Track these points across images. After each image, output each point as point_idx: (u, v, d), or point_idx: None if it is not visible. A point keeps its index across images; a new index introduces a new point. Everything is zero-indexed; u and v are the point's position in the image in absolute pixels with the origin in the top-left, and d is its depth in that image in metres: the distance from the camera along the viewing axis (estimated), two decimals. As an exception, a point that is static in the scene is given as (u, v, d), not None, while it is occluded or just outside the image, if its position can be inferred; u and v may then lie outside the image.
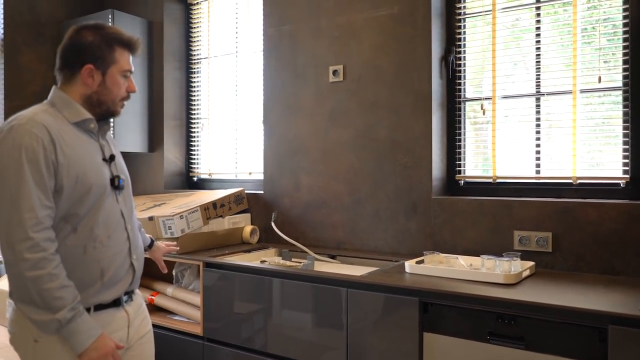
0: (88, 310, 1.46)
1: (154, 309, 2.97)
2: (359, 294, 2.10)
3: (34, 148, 1.37)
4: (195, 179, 3.77)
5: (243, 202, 3.18)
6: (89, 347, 1.39)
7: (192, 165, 3.79)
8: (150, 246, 2.05)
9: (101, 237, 1.50)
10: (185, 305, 2.83)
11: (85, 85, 1.51)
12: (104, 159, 1.56)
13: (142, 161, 3.76)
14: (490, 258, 2.16)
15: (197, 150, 3.77)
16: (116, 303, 1.55)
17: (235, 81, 3.56)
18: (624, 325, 1.61)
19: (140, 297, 1.75)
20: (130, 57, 1.58)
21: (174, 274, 3.00)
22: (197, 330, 2.62)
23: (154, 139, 3.69)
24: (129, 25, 3.53)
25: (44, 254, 1.35)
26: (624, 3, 2.29)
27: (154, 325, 2.80)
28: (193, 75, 3.79)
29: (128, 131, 3.54)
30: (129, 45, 1.56)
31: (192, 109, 3.80)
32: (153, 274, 3.21)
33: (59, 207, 1.42)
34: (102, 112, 1.56)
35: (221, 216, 3.00)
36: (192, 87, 3.79)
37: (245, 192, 3.23)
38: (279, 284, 2.33)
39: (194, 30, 3.78)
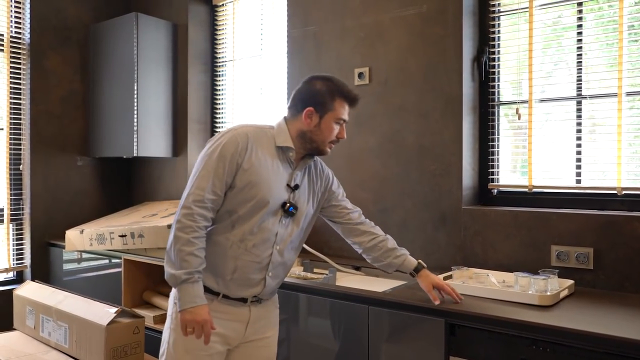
0: (217, 295, 1.71)
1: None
2: (381, 312, 1.97)
3: (228, 148, 1.66)
4: (219, 183, 3.70)
5: (265, 208, 3.08)
6: (187, 309, 1.61)
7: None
8: (416, 270, 1.94)
9: (247, 243, 1.71)
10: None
11: (303, 123, 1.75)
12: (288, 185, 1.76)
13: (165, 166, 3.71)
14: (525, 275, 1.99)
15: (222, 154, 3.70)
16: (243, 300, 1.75)
17: (260, 84, 3.48)
18: (677, 359, 1.43)
19: (274, 305, 1.90)
20: (347, 109, 1.78)
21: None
22: (215, 342, 2.54)
23: (178, 143, 3.64)
24: (153, 28, 3.50)
25: (193, 223, 1.62)
26: (677, -3, 2.08)
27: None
28: (218, 78, 3.73)
29: (152, 135, 3.50)
30: (348, 98, 1.77)
31: (216, 113, 3.74)
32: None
33: (226, 200, 1.69)
34: (312, 148, 1.78)
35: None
36: (216, 90, 3.73)
37: (268, 198, 3.13)
38: (297, 298, 2.22)
39: (219, 32, 3.71)
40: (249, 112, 3.53)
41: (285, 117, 1.81)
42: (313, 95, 1.75)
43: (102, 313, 2.29)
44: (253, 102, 3.51)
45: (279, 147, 1.75)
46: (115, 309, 2.28)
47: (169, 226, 2.71)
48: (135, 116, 3.41)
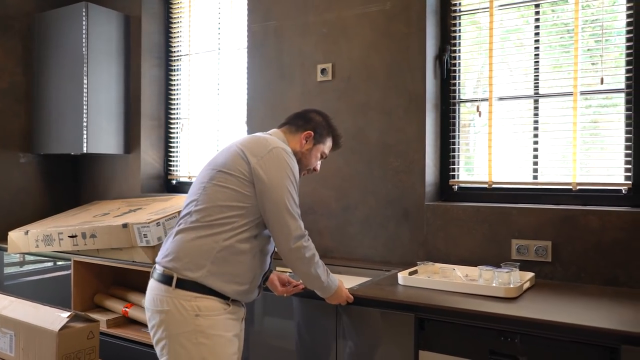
0: (228, 299, 1.73)
1: (127, 321, 2.78)
2: (349, 308, 1.95)
3: (297, 171, 1.79)
4: (174, 182, 3.59)
5: (225, 207, 3.00)
6: (332, 296, 1.86)
7: (171, 168, 3.61)
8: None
9: (265, 253, 1.81)
10: (162, 318, 2.65)
11: (298, 143, 1.88)
12: None
13: (117, 163, 3.56)
14: (489, 269, 2.03)
15: (177, 152, 3.59)
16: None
17: (217, 79, 3.39)
18: (638, 345, 1.49)
19: None
20: (329, 148, 1.98)
21: (150, 283, 2.82)
22: (175, 345, 2.44)
23: (131, 139, 3.50)
24: (104, 20, 3.34)
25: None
26: (628, 2, 2.18)
27: (126, 340, 2.64)
28: (173, 73, 3.61)
29: (102, 131, 3.34)
30: (337, 141, 2.00)
31: (171, 109, 3.62)
32: (127, 283, 3.03)
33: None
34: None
35: (201, 222, 2.82)
36: (171, 85, 3.61)
37: (227, 196, 3.06)
38: (264, 296, 2.17)
39: (174, 25, 3.59)
40: (205, 108, 3.44)
41: (282, 133, 1.89)
42: (315, 123, 1.91)
43: (52, 318, 2.15)
44: (210, 98, 3.42)
45: None
46: (68, 314, 2.15)
47: (124, 225, 2.59)
48: (84, 111, 3.25)
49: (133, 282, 3.00)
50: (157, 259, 1.80)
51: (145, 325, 2.70)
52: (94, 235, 2.70)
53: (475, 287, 1.95)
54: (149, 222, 2.54)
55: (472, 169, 2.58)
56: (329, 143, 1.96)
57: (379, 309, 1.89)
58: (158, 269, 1.76)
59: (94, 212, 3.15)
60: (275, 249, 1.79)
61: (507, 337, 1.70)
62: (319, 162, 1.96)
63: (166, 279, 1.70)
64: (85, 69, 3.25)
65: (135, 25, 3.48)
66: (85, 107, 3.25)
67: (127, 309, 2.77)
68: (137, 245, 2.58)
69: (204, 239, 1.70)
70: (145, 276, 2.85)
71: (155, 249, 2.57)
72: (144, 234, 2.56)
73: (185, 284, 1.67)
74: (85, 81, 3.25)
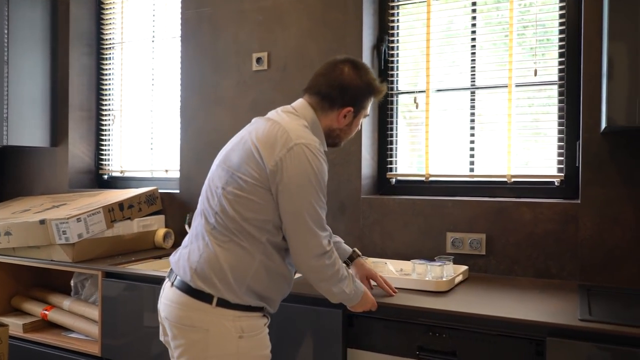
0: (263, 310, 1.54)
1: (47, 325, 2.59)
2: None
3: (326, 175, 1.53)
4: (105, 177, 3.40)
5: (156, 202, 2.85)
6: (357, 304, 1.63)
7: (103, 162, 3.41)
8: (350, 259, 1.86)
9: (291, 265, 1.59)
10: (84, 321, 2.48)
11: (336, 121, 1.59)
12: None
13: (43, 157, 3.34)
14: (422, 263, 1.97)
15: (109, 145, 3.40)
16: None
17: (151, 70, 3.23)
18: (563, 337, 1.46)
19: None
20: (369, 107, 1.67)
21: (72, 284, 2.64)
22: (95, 349, 2.28)
23: (58, 132, 3.29)
24: (27, 4, 3.12)
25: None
26: (560, -7, 2.18)
27: (44, 345, 2.46)
28: (105, 62, 3.42)
29: (25, 123, 3.12)
30: (378, 94, 1.64)
31: (103, 100, 3.42)
32: (49, 284, 2.84)
33: None
34: (330, 143, 1.65)
35: (129, 218, 2.66)
36: (103, 75, 3.42)
37: (160, 191, 2.91)
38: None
39: (106, 11, 3.40)
40: (139, 100, 3.27)
41: (311, 109, 1.57)
42: (355, 92, 1.57)
43: (-47, 322, 1.96)
44: (144, 88, 3.25)
45: None
46: (-30, 317, 1.96)
47: (42, 222, 2.40)
48: (5, 101, 3.02)
49: (55, 282, 2.81)
50: (179, 269, 1.52)
51: (67, 329, 2.53)
52: (8, 232, 2.50)
53: (407, 281, 1.88)
54: (68, 218, 2.37)
55: (409, 161, 2.52)
56: (369, 104, 1.65)
57: (305, 306, 1.80)
58: (187, 280, 1.49)
59: (14, 208, 2.93)
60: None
61: (435, 332, 1.64)
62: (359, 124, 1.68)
63: (203, 296, 1.47)
64: (5, 57, 3.03)
65: (63, 10, 3.27)
66: (5, 97, 3.02)
67: (46, 312, 2.58)
68: (55, 242, 2.40)
69: (239, 256, 1.47)
70: (67, 276, 2.70)
71: (75, 246, 2.40)
72: (63, 231, 2.38)
73: (227, 303, 1.47)
74: (5, 70, 3.03)
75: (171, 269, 1.58)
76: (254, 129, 1.54)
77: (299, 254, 1.48)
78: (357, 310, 1.65)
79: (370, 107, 1.68)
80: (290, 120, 1.52)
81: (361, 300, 1.61)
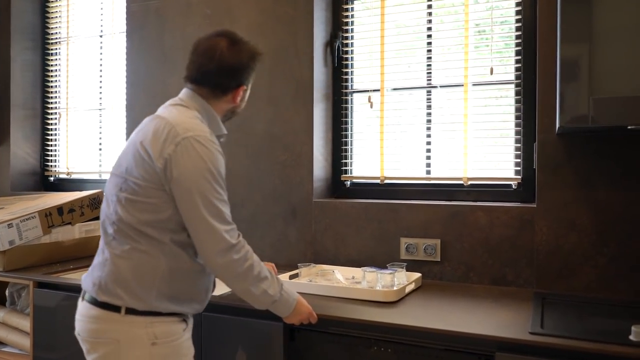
0: (181, 314, 1.46)
1: (-23, 339, 2.41)
2: (215, 317, 1.72)
3: (223, 165, 1.46)
4: (51, 179, 3.22)
5: (101, 206, 2.69)
6: (291, 315, 1.52)
7: (49, 163, 3.23)
8: None
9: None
10: (18, 334, 2.31)
11: (231, 102, 1.55)
12: None
13: (-17, 158, 3.14)
14: (372, 270, 1.87)
15: (56, 145, 3.22)
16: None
17: (99, 66, 3.06)
18: (512, 352, 1.37)
19: None
20: None
21: (7, 294, 2.47)
22: (25, 365, 2.12)
23: (-2, 131, 3.10)
24: (-37, -7, 2.93)
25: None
26: (516, -12, 2.10)
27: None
28: (50, 58, 3.23)
29: (-39, 121, 2.93)
30: (261, 59, 1.59)
31: (48, 97, 3.24)
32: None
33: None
34: (226, 120, 1.61)
35: (70, 223, 2.50)
36: (49, 71, 3.24)
37: (106, 194, 2.74)
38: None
39: (51, 5, 3.22)
40: (87, 97, 3.10)
41: (200, 98, 1.50)
42: (244, 69, 1.52)
43: None
44: (92, 86, 3.08)
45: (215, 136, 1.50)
46: None
47: (-32, 228, 2.22)
48: (-61, 98, 2.83)
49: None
50: (87, 285, 1.45)
51: (0, 343, 2.36)
52: None
53: (355, 291, 1.78)
54: (-3, 224, 2.20)
55: (364, 163, 2.42)
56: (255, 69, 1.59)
57: (243, 318, 1.68)
58: (93, 295, 1.42)
59: (-53, 213, 2.73)
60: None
61: (380, 347, 1.53)
62: None
63: (111, 307, 1.39)
64: (-61, 49, 2.83)
65: (4, 2, 3.08)
66: (-61, 93, 2.83)
67: (-23, 325, 2.40)
68: (-16, 250, 2.23)
69: (141, 262, 1.39)
70: (2, 285, 2.51)
71: (6, 254, 2.23)
72: (-7, 238, 2.21)
73: (135, 310, 1.38)
74: (-61, 63, 2.83)
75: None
76: (142, 130, 1.46)
77: (203, 250, 1.39)
78: (292, 322, 1.54)
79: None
80: (179, 114, 1.45)
81: (295, 309, 1.51)
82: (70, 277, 2.22)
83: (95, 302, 1.40)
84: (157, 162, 1.36)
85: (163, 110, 1.50)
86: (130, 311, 1.38)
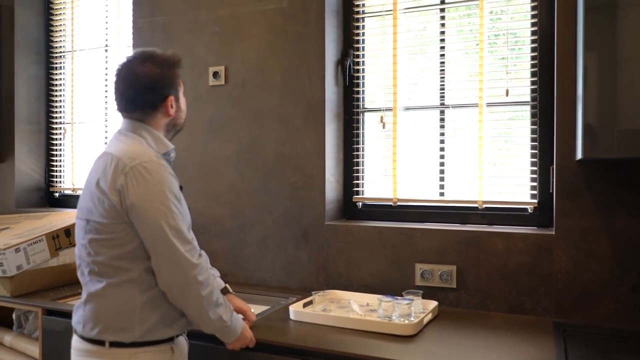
0: (172, 339, 1.50)
1: (-16, 363, 2.38)
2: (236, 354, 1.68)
3: (176, 185, 1.48)
4: (57, 195, 3.18)
5: (108, 225, 2.65)
6: (234, 341, 1.56)
7: (54, 179, 3.19)
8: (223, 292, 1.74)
9: None
10: (26, 359, 2.27)
11: (167, 116, 1.56)
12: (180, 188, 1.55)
13: (-13, 174, 3.10)
14: (388, 300, 1.83)
15: (61, 160, 3.18)
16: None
17: (105, 80, 3.02)
18: (538, 395, 1.33)
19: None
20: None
21: (14, 317, 2.43)
22: (34, 394, 2.09)
23: (2, 147, 3.06)
24: (-34, 8, 2.89)
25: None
26: (532, 9, 2.05)
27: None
28: (55, 72, 3.19)
29: (-35, 138, 2.89)
30: (180, 65, 1.59)
31: (53, 112, 3.20)
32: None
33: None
34: (176, 132, 1.63)
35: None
36: (53, 85, 3.19)
37: (112, 213, 2.70)
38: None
39: (55, 18, 3.18)
40: (92, 112, 3.06)
41: (137, 122, 1.53)
42: (163, 81, 1.53)
43: None
44: (98, 100, 3.04)
45: (163, 154, 1.53)
46: None
47: (-25, 253, 2.18)
48: (-58, 114, 2.79)
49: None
50: (74, 322, 1.51)
51: (6, 369, 2.32)
52: (-61, 263, 2.27)
53: (371, 323, 1.74)
54: (4, 249, 2.16)
55: (376, 184, 2.38)
56: (179, 74, 1.59)
57: (261, 353, 1.65)
58: (79, 331, 1.50)
59: (-48, 232, 2.69)
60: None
61: (400, 386, 1.50)
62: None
63: (96, 341, 1.45)
64: (-57, 65, 2.79)
65: (7, 16, 3.04)
66: (-58, 109, 2.79)
67: (-16, 349, 2.37)
68: (-9, 275, 2.19)
69: (118, 298, 1.44)
70: (9, 307, 2.47)
71: (13, 279, 2.19)
72: (0, 263, 2.17)
73: (121, 343, 1.44)
74: (-58, 79, 2.79)
75: None
76: (93, 170, 1.51)
77: (164, 271, 1.42)
78: (235, 347, 1.58)
79: (182, 79, 1.61)
80: (122, 145, 1.49)
81: (240, 335, 1.56)
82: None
83: (82, 337, 1.47)
84: (112, 197, 1.40)
85: (109, 145, 1.54)
86: (115, 344, 1.43)
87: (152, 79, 1.51)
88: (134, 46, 2.68)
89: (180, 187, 1.59)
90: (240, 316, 1.63)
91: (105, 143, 2.97)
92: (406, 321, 1.74)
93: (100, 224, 1.42)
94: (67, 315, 2.04)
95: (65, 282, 2.40)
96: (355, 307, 1.89)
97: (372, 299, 2.00)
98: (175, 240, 1.40)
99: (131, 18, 2.77)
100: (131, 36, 2.74)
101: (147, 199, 1.40)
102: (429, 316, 1.83)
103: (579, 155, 1.62)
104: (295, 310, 1.86)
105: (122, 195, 1.40)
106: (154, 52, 1.56)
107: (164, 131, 1.58)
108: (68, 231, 2.42)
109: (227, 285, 1.77)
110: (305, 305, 1.95)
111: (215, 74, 2.44)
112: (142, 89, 1.51)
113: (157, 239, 1.40)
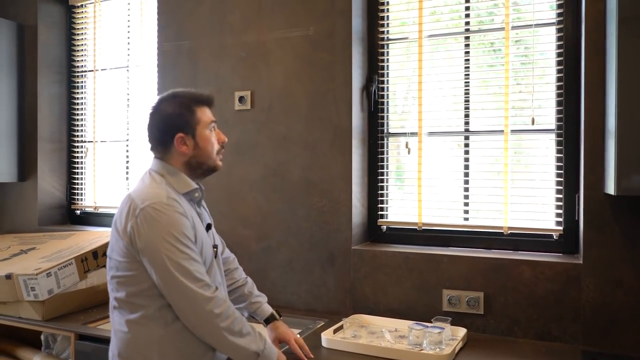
0: None
1: (14, 385, 2.41)
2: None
3: (185, 225, 1.48)
4: (78, 212, 3.21)
5: (133, 246, 2.68)
6: None
7: (75, 197, 3.22)
8: (267, 321, 1.83)
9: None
10: (56, 380, 2.31)
11: (181, 154, 1.56)
12: (206, 228, 1.61)
13: (10, 192, 3.14)
14: (419, 328, 1.86)
15: (82, 178, 3.21)
16: None
17: (126, 99, 3.05)
18: None
19: None
20: (210, 111, 1.61)
21: (42, 338, 2.46)
22: (67, 418, 2.12)
23: (26, 165, 3.09)
24: (-9, 29, 2.92)
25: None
26: (558, 40, 2.09)
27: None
28: (76, 91, 3.23)
29: (-10, 158, 2.92)
30: (204, 102, 1.60)
31: (75, 131, 3.23)
32: (16, 335, 2.65)
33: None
34: (204, 171, 1.63)
35: (104, 266, 2.48)
36: (75, 104, 3.23)
37: (137, 233, 2.74)
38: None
39: (77, 38, 3.21)
40: (114, 131, 3.09)
41: (159, 160, 1.60)
42: (171, 121, 1.56)
43: None
44: (119, 119, 3.07)
45: (184, 193, 1.57)
46: None
47: (8, 276, 2.22)
48: (-33, 134, 2.83)
49: (23, 334, 2.61)
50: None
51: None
52: (-30, 286, 2.31)
53: (403, 353, 1.77)
54: (37, 274, 2.19)
55: (400, 207, 2.41)
56: (203, 114, 1.58)
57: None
58: None
59: (-22, 252, 2.72)
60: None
61: (437, 418, 1.53)
62: (214, 136, 1.61)
63: None
64: (-32, 85, 2.83)
65: (31, 35, 3.08)
66: (-32, 129, 2.83)
67: (13, 370, 2.40)
68: (23, 299, 2.23)
69: (136, 334, 1.50)
70: (35, 332, 2.50)
71: (45, 303, 2.23)
72: (32, 287, 2.21)
73: None
74: (-32, 100, 2.83)
75: None
76: (118, 209, 1.56)
77: (180, 310, 1.47)
78: None
79: (210, 116, 1.60)
80: (142, 185, 1.55)
81: None
82: (108, 327, 2.21)
83: None
84: (125, 239, 1.47)
85: (135, 184, 1.61)
86: None
87: (164, 118, 1.56)
88: (159, 68, 2.71)
89: (209, 225, 1.64)
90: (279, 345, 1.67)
91: (127, 161, 3.02)
92: (438, 349, 1.77)
93: (119, 262, 1.50)
94: (98, 340, 2.08)
95: (94, 303, 2.44)
96: (387, 336, 1.92)
97: (400, 324, 2.04)
98: (184, 279, 1.44)
99: (153, 39, 2.81)
100: (154, 56, 2.78)
101: (154, 241, 1.45)
102: (460, 344, 1.87)
103: (611, 190, 1.65)
104: (328, 338, 1.89)
105: (132, 238, 1.46)
106: (181, 91, 1.61)
107: (187, 170, 1.59)
108: (96, 253, 2.46)
109: (275, 311, 1.82)
110: (335, 331, 1.98)
111: (241, 99, 2.48)
112: (156, 128, 1.58)
113: (166, 280, 1.44)
